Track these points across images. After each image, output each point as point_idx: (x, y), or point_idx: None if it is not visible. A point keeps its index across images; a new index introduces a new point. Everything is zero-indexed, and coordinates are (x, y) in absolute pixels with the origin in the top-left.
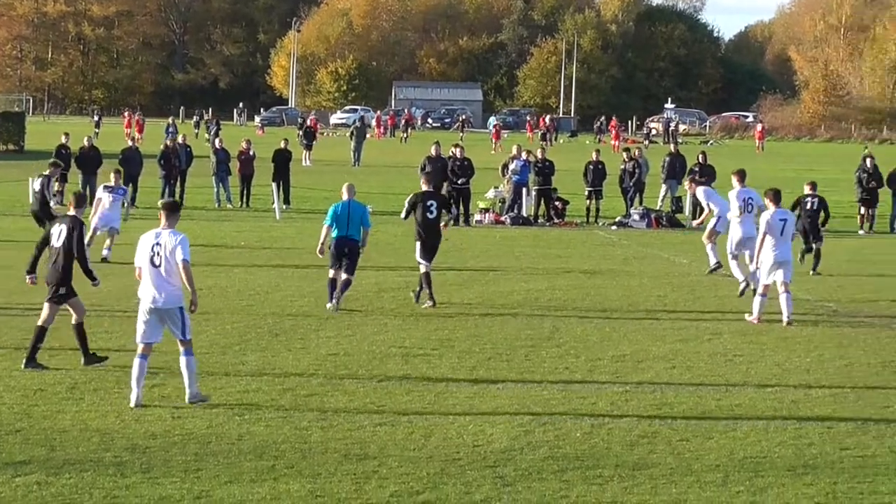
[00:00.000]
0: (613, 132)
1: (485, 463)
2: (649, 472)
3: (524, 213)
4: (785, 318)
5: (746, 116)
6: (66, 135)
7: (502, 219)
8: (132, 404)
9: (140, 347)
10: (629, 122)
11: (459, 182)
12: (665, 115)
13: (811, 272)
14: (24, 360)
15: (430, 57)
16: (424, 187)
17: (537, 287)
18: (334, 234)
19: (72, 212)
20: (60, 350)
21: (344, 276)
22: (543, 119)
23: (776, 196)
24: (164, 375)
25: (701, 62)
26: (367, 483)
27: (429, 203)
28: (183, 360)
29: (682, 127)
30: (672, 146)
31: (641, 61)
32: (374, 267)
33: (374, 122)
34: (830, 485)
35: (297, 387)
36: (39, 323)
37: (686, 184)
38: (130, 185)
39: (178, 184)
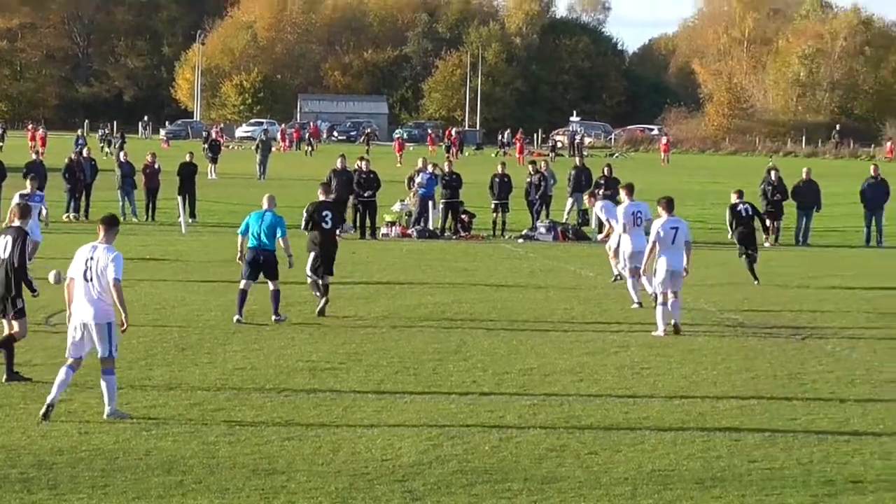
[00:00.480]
0: (518, 145)
1: (393, 477)
2: (558, 485)
3: (431, 227)
4: (673, 321)
5: (651, 129)
6: None
7: (409, 232)
8: (47, 402)
9: (69, 360)
10: (535, 135)
11: (366, 195)
12: (570, 128)
13: (756, 283)
14: (4, 376)
15: (335, 70)
16: (321, 197)
17: (444, 300)
18: (250, 244)
19: (16, 223)
20: None
21: (270, 287)
22: (449, 132)
23: (668, 204)
24: (71, 390)
25: (605, 75)
26: (276, 498)
27: (324, 213)
28: (104, 379)
29: (587, 140)
30: (577, 159)
31: (546, 74)
32: (280, 280)
33: (278, 136)
34: (739, 497)
35: (204, 401)
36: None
37: (586, 199)
38: None
39: (83, 197)
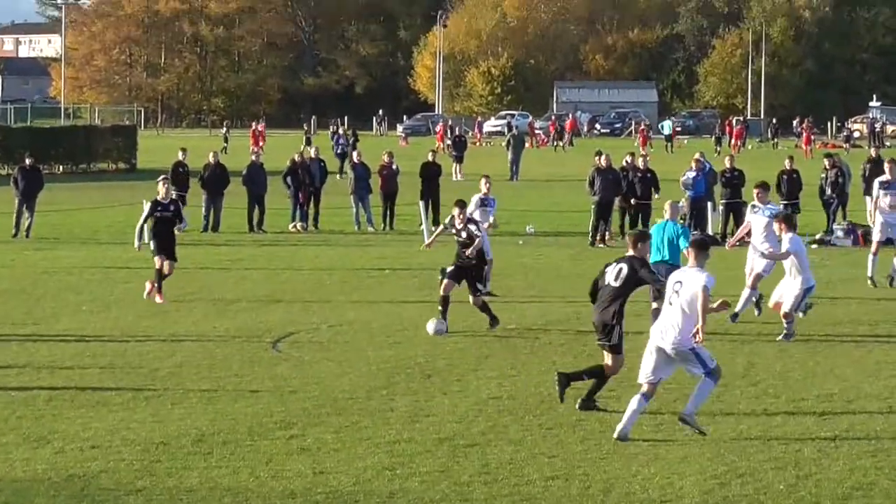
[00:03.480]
0: (805, 135)
1: None
2: None
3: (710, 231)
4: None
5: None
6: (184, 150)
7: None
8: (618, 430)
9: (643, 387)
10: (829, 124)
11: (646, 200)
12: (870, 115)
13: None
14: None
15: (596, 52)
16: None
17: (727, 314)
18: (652, 258)
19: (630, 252)
20: (184, 395)
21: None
22: (729, 122)
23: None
24: (302, 425)
25: None
26: None
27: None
28: (701, 383)
29: (889, 128)
30: (873, 150)
31: (840, 52)
32: (538, 297)
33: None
34: None
35: (454, 435)
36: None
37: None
38: (257, 206)
39: (313, 204)
